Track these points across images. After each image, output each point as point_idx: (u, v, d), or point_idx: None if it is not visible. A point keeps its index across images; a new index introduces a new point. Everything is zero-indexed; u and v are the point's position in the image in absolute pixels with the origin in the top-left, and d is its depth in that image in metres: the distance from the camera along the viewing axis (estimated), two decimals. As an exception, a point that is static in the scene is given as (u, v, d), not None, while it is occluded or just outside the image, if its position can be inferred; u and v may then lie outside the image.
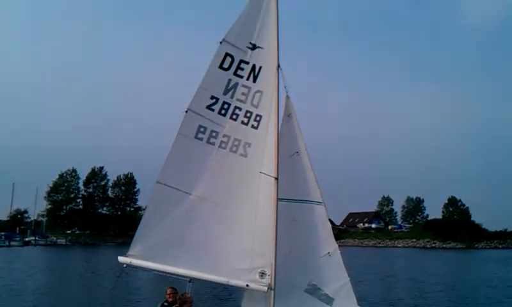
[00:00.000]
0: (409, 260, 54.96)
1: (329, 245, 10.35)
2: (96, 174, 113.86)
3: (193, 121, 9.73)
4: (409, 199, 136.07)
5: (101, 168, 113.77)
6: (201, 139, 9.80)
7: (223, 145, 9.90)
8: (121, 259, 9.51)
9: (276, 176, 9.79)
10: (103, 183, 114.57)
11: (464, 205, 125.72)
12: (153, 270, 9.75)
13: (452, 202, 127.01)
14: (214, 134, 9.85)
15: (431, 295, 23.46)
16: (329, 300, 9.90)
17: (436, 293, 24.36)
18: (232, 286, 9.91)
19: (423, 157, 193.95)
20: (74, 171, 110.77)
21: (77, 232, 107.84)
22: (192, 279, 9.63)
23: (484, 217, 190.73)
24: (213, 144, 9.87)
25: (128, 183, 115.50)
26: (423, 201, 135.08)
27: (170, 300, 9.68)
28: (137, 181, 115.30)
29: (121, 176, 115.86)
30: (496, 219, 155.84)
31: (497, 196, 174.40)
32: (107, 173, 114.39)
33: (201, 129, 9.77)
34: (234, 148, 9.92)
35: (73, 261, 49.24)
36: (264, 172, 9.81)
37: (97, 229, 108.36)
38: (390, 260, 55.41)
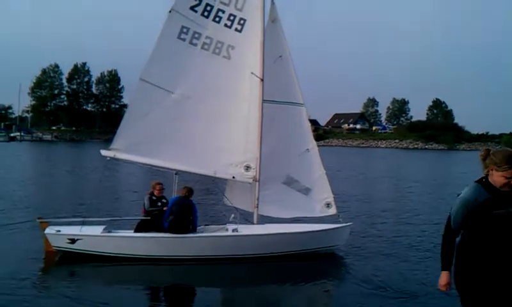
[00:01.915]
0: (390, 159, 56.83)
1: (308, 142, 11.00)
2: (79, 71, 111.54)
3: (176, 21, 9.76)
4: (394, 101, 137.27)
5: (84, 64, 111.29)
6: (184, 40, 9.88)
7: (206, 47, 10.02)
8: (104, 152, 9.83)
9: (261, 78, 10.14)
10: (86, 79, 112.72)
11: (447, 107, 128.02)
12: (139, 163, 10.28)
13: (437, 104, 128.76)
14: (196, 35, 9.92)
15: (407, 190, 24.71)
16: (306, 190, 10.77)
17: (412, 188, 25.63)
18: (218, 178, 10.54)
19: (411, 59, 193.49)
20: (57, 66, 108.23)
21: (63, 128, 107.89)
22: (178, 172, 10.12)
23: (467, 120, 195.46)
24: (195, 45, 9.98)
25: (112, 80, 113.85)
26: (408, 102, 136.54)
27: (158, 195, 10.12)
28: (121, 78, 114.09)
29: (105, 72, 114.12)
30: (479, 122, 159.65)
31: (481, 100, 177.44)
32: (90, 70, 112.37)
33: (184, 29, 9.81)
34: (217, 50, 10.05)
35: (60, 155, 49.76)
36: (253, 72, 10.09)
37: (83, 126, 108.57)
38: (370, 159, 57.20)
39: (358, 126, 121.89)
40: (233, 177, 10.34)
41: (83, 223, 9.78)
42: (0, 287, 7.80)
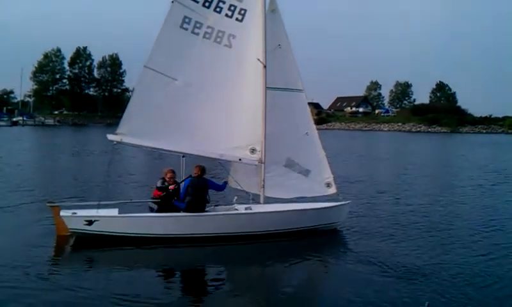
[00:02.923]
0: (391, 143, 57.04)
1: (307, 127, 11.47)
2: (81, 55, 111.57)
3: (179, 11, 10.11)
4: (397, 84, 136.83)
5: (85, 48, 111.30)
6: (186, 29, 10.23)
7: (207, 36, 10.38)
8: (110, 136, 10.04)
9: (264, 64, 10.57)
10: (88, 63, 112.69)
11: (451, 90, 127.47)
12: (146, 147, 10.55)
13: (440, 87, 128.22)
14: (198, 25, 10.29)
15: (406, 172, 25.07)
16: (306, 172, 11.29)
17: (411, 170, 26.00)
18: (225, 160, 11.00)
19: (414, 42, 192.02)
20: (59, 50, 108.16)
21: (65, 113, 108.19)
22: (185, 155, 10.45)
23: (471, 103, 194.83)
24: (197, 34, 10.34)
25: (113, 64, 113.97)
26: (411, 85, 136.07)
27: (169, 182, 10.38)
28: (122, 63, 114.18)
29: (107, 56, 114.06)
30: (482, 105, 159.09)
31: (484, 83, 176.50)
32: (92, 54, 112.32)
33: (187, 19, 10.17)
34: (218, 39, 10.41)
35: (63, 140, 49.93)
36: (258, 58, 10.52)
37: (85, 110, 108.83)
38: (372, 142, 57.38)
39: (361, 110, 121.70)
40: (240, 159, 10.81)
41: (98, 206, 9.79)
42: (18, 274, 7.83)
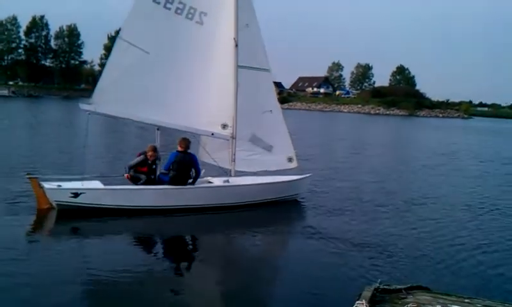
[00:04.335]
0: (350, 124, 58.59)
1: (272, 105, 12.06)
2: (37, 24, 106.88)
3: None
4: (358, 66, 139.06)
5: (42, 17, 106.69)
6: (158, 3, 10.47)
7: (179, 11, 10.65)
8: (84, 106, 10.16)
9: (236, 43, 11.00)
10: (44, 33, 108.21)
11: (410, 74, 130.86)
12: (119, 117, 10.77)
13: (400, 70, 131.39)
14: (170, 0, 10.46)
15: (361, 152, 26.28)
16: (269, 147, 11.99)
17: (366, 151, 27.22)
18: (198, 134, 11.41)
19: (376, 26, 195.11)
20: (15, 19, 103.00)
21: (20, 84, 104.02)
22: (159, 128, 10.81)
23: (430, 87, 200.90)
24: (169, 9, 10.57)
25: (71, 35, 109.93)
26: (371, 68, 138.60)
27: (151, 159, 10.67)
28: (80, 34, 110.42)
29: (64, 27, 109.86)
30: (440, 89, 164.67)
31: (443, 67, 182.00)
32: (49, 23, 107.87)
33: None
34: (190, 15, 10.71)
35: (19, 111, 48.06)
36: (234, 38, 10.95)
37: (41, 82, 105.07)
38: (331, 123, 58.75)
39: (322, 90, 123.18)
40: (212, 134, 11.33)
41: (81, 179, 9.94)
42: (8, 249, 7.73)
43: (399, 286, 5.31)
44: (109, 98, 10.15)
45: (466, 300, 5.09)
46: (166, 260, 8.50)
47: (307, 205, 12.11)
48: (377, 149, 28.79)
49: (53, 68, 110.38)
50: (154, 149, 10.69)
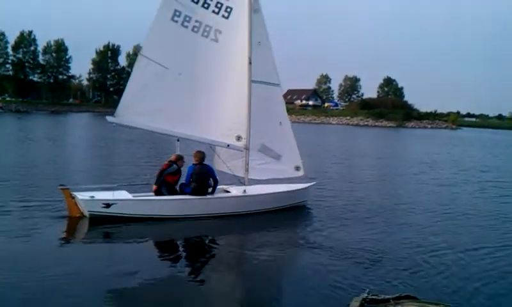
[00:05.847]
0: (339, 135, 59.35)
1: (281, 117, 12.79)
2: (25, 39, 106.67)
3: (170, 5, 11.01)
4: (346, 78, 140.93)
5: (30, 32, 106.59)
6: (176, 22, 11.08)
7: (195, 29, 11.27)
8: (109, 119, 10.80)
9: (250, 61, 11.71)
10: (32, 48, 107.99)
11: (398, 85, 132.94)
12: (142, 129, 11.30)
13: (388, 82, 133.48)
14: (187, 19, 11.15)
15: (347, 163, 27.05)
16: (278, 156, 12.70)
17: (353, 161, 28.10)
18: (215, 145, 12.09)
19: (362, 37, 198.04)
20: (2, 34, 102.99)
21: (8, 99, 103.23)
22: (179, 139, 11.42)
23: (418, 98, 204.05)
24: (186, 27, 11.18)
25: (59, 50, 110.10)
26: (359, 80, 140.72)
27: (181, 167, 11.39)
28: (68, 49, 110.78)
29: (51, 42, 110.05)
30: (428, 100, 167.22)
31: (431, 79, 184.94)
32: (36, 38, 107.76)
33: (177, 13, 11.04)
34: (205, 33, 11.33)
35: (8, 127, 47.54)
36: (249, 57, 11.63)
37: (29, 97, 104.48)
38: (319, 135, 59.38)
39: (311, 103, 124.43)
40: (228, 145, 12.03)
41: (113, 189, 10.67)
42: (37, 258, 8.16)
43: (387, 296, 5.42)
44: (132, 111, 10.78)
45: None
46: (184, 263, 8.94)
47: (311, 212, 12.78)
48: (364, 159, 29.57)
49: (41, 83, 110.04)
50: (182, 157, 11.43)
